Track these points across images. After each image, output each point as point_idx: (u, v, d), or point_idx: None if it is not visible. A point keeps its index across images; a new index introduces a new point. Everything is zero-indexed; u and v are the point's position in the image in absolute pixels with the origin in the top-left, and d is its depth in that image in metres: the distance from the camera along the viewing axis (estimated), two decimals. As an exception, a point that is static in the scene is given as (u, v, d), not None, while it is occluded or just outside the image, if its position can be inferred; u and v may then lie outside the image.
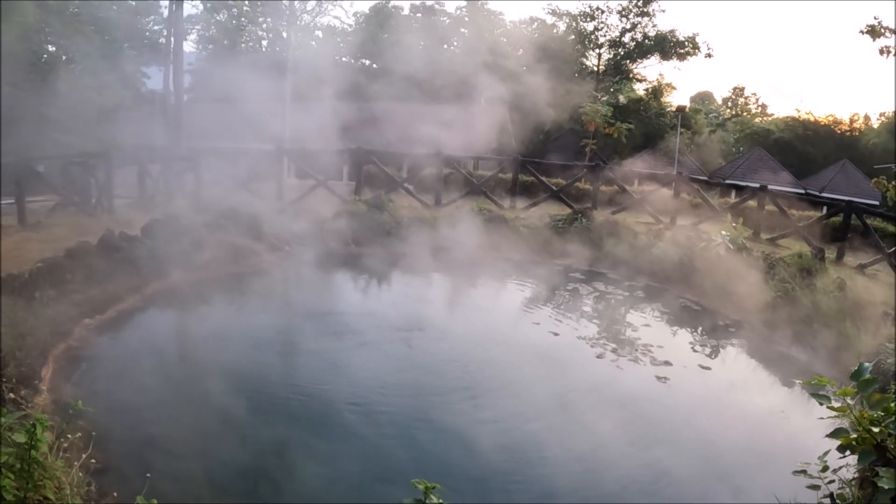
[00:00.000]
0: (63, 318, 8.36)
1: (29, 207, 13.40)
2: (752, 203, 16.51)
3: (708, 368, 9.21)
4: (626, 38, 43.87)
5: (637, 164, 21.88)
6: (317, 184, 17.31)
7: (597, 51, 44.70)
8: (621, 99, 37.07)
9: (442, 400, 7.45)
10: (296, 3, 20.48)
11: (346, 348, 8.87)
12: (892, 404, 4.19)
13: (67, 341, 8.09)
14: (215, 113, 22.96)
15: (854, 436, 4.22)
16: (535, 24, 46.88)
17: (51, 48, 20.69)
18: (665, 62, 44.25)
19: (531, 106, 23.86)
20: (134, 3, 26.25)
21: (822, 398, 4.40)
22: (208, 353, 8.58)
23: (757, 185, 17.46)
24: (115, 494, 4.98)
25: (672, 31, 42.87)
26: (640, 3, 42.70)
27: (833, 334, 9.34)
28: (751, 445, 6.81)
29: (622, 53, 44.19)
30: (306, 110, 20.51)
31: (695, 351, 9.94)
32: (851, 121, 47.13)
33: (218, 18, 36.01)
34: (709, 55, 43.37)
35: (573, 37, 44.06)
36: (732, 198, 20.66)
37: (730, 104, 64.59)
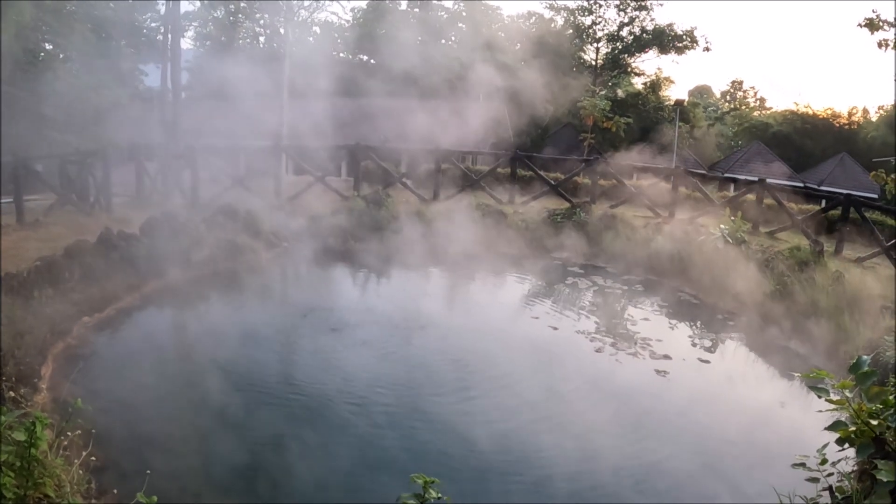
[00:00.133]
0: (62, 316, 8.36)
1: (27, 206, 13.40)
2: (750, 197, 16.51)
3: (707, 362, 9.22)
4: (624, 32, 43.73)
5: (635, 158, 21.81)
6: (315, 180, 17.29)
7: (595, 45, 44.57)
8: (619, 93, 36.91)
9: (440, 395, 7.45)
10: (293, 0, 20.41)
11: (344, 345, 8.88)
12: (891, 397, 4.20)
13: (66, 340, 8.10)
14: (213, 110, 22.94)
15: (853, 428, 4.23)
16: (533, 18, 46.79)
17: (48, 46, 20.63)
18: (663, 56, 44.10)
19: (529, 101, 23.85)
20: (131, 0, 26.13)
21: (820, 391, 4.42)
22: (207, 350, 8.59)
23: (755, 179, 17.45)
24: (115, 492, 4.98)
25: (670, 25, 42.72)
26: (637, -3, 42.61)
27: (832, 327, 9.35)
28: (750, 438, 6.82)
29: (620, 47, 44.05)
30: (304, 107, 20.48)
31: (694, 345, 9.94)
32: (850, 114, 47.09)
33: (215, 15, 35.90)
34: (707, 49, 43.23)
35: (571, 31, 43.91)
36: (731, 191, 20.68)
37: (728, 98, 64.58)
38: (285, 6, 20.66)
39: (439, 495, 3.58)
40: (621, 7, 42.93)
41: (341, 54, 40.22)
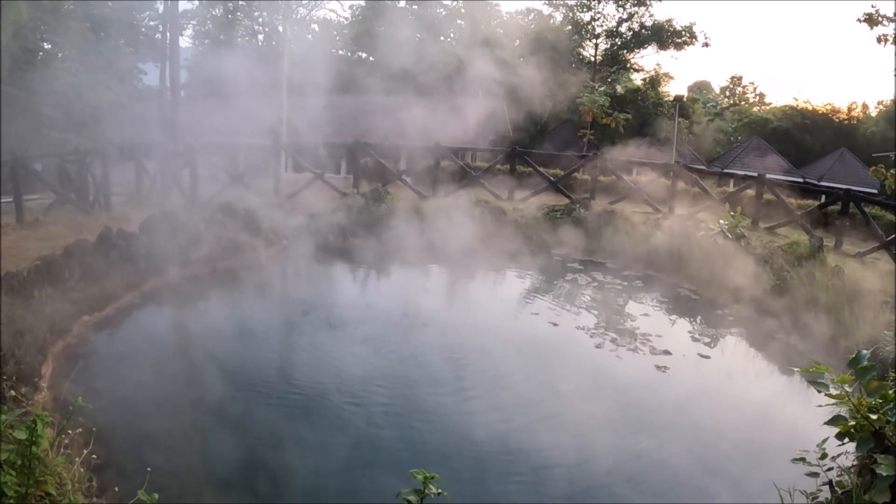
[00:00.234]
0: (62, 315, 8.35)
1: (27, 206, 13.40)
2: (749, 192, 16.48)
3: (707, 357, 9.23)
4: (623, 28, 43.70)
5: (634, 154, 21.81)
6: (314, 177, 17.29)
7: (593, 41, 44.55)
8: (619, 89, 36.90)
9: (439, 392, 7.45)
10: (292, -1, 20.36)
11: (344, 342, 8.88)
12: (891, 392, 4.21)
13: (66, 339, 8.11)
14: (212, 108, 22.90)
15: (852, 423, 4.24)
16: (532, 14, 46.72)
17: (46, 45, 20.62)
18: (662, 52, 44.11)
19: (528, 97, 23.81)
20: (129, -2, 26.12)
21: (820, 386, 4.42)
22: (206, 348, 8.60)
23: (755, 174, 17.42)
24: (117, 490, 4.99)
25: (669, 21, 42.70)
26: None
27: (831, 322, 9.35)
28: (750, 433, 6.83)
29: (619, 43, 44.03)
30: (303, 104, 20.45)
31: (694, 340, 9.95)
32: (849, 109, 47.05)
33: (214, 13, 35.82)
34: (706, 45, 43.22)
35: (570, 27, 43.90)
36: (730, 187, 20.64)
37: (727, 93, 64.48)
38: (284, 4, 20.60)
39: (439, 491, 3.58)
40: (620, 3, 42.89)
41: (340, 52, 40.14)
